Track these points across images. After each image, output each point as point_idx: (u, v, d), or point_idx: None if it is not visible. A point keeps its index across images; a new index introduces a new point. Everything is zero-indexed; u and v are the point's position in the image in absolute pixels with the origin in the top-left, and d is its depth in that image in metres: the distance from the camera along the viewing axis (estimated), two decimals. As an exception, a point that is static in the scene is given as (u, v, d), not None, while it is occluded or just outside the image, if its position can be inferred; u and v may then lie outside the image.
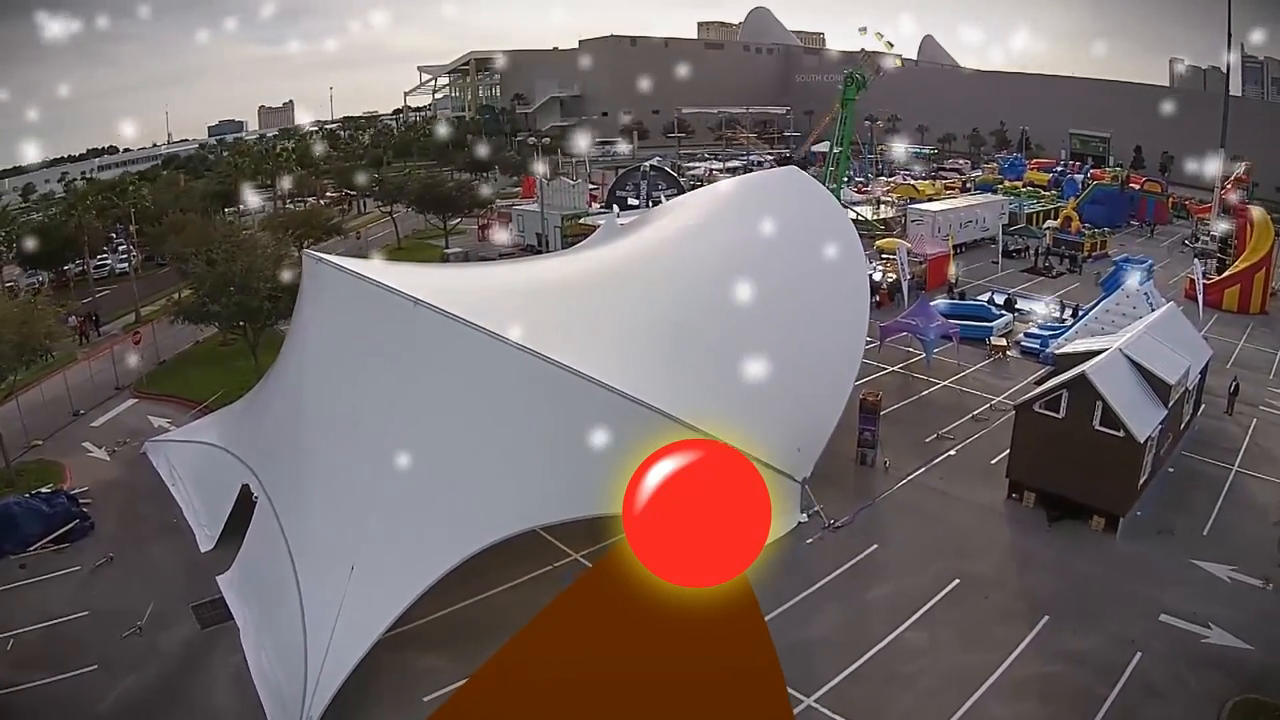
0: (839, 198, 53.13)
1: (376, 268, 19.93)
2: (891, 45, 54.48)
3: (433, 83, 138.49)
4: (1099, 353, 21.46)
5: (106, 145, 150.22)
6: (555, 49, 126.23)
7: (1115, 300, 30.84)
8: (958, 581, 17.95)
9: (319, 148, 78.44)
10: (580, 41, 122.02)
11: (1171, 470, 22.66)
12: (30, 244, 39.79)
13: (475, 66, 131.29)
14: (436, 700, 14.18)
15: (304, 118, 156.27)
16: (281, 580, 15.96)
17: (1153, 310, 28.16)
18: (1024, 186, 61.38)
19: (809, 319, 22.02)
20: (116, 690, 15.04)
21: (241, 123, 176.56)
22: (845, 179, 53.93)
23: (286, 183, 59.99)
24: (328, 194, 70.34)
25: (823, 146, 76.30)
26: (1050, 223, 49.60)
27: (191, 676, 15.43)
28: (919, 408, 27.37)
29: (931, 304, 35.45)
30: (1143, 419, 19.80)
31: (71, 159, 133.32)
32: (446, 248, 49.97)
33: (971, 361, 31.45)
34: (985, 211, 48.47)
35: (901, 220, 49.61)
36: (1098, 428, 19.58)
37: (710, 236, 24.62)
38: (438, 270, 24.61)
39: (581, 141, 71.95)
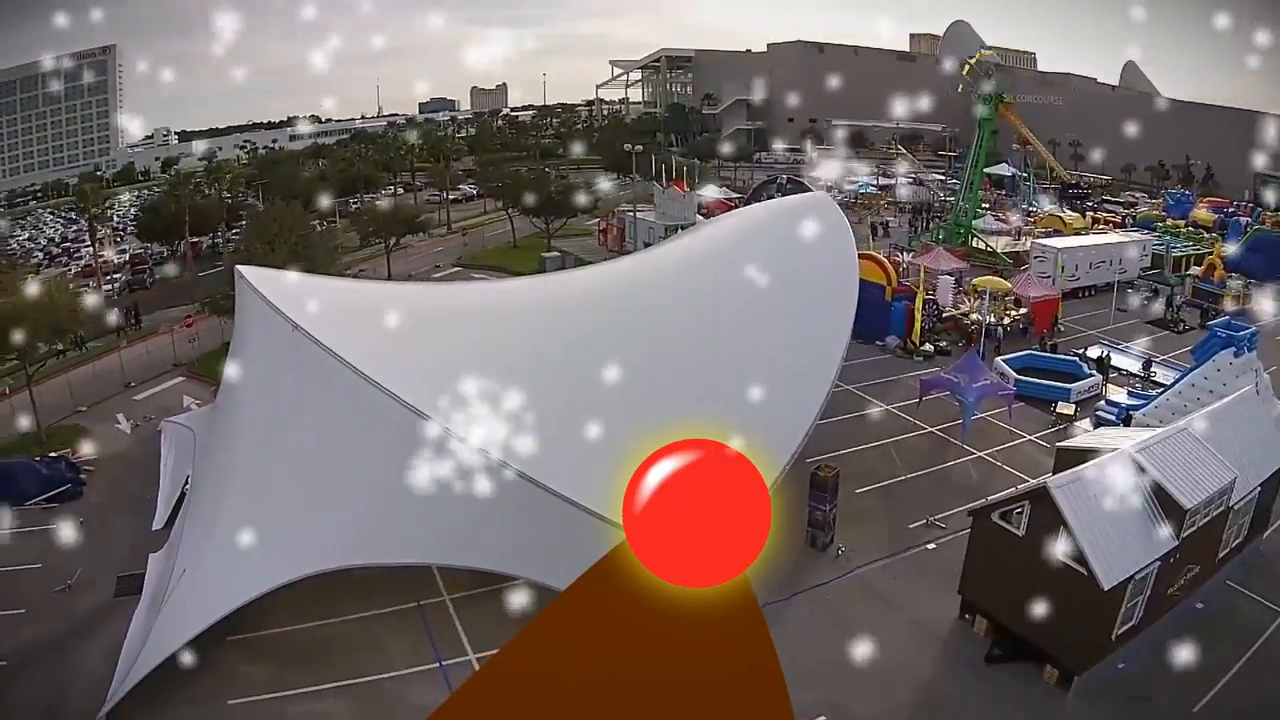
0: (969, 224, 51.03)
1: (311, 285, 22.36)
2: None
3: (625, 77, 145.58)
4: (1109, 451, 18.34)
5: (309, 114, 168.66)
6: (748, 51, 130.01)
7: (1204, 373, 27.15)
8: (821, 722, 15.43)
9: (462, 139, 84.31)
10: (769, 45, 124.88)
11: (1200, 606, 19.23)
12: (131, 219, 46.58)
13: (667, 64, 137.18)
14: (240, 706, 16.31)
15: (515, 99, 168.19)
16: (168, 569, 18.81)
17: (1258, 386, 24.87)
18: (1185, 226, 54.85)
19: (760, 363, 21.31)
20: (24, 635, 18.59)
21: (453, 101, 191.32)
22: (982, 205, 51.40)
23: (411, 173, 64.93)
24: (460, 188, 75.88)
25: (1000, 169, 72.94)
26: (1195, 269, 44.07)
27: (83, 637, 18.62)
28: (929, 482, 25.33)
29: (1002, 357, 33.66)
30: (1122, 556, 16.40)
31: (269, 125, 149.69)
32: (546, 252, 52.63)
33: (1030, 429, 28.98)
34: (1122, 251, 43.83)
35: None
36: (1060, 557, 16.62)
37: (683, 266, 25.07)
38: (383, 289, 26.70)
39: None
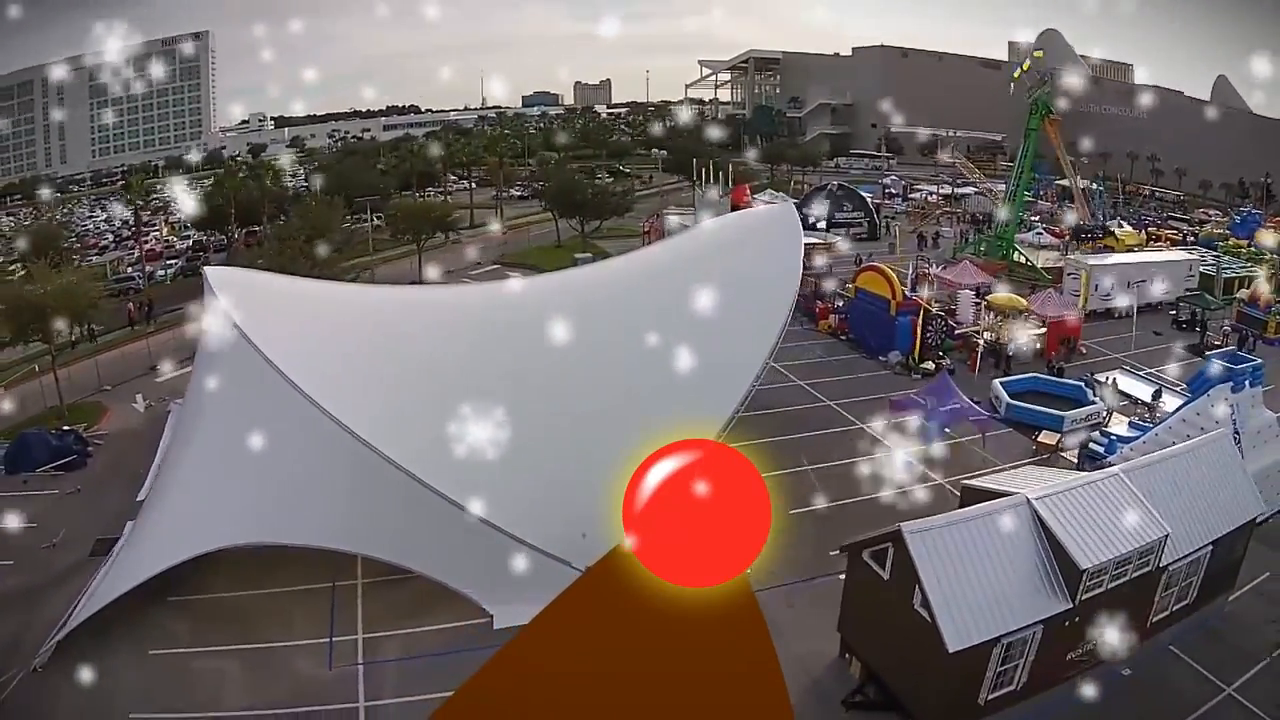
0: (1012, 237, 50.53)
1: (274, 286, 25.48)
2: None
3: (714, 77, 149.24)
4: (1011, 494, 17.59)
5: (409, 104, 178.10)
6: (836, 54, 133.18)
7: (1197, 409, 26.79)
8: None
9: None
10: (853, 49, 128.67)
11: (1127, 673, 18.46)
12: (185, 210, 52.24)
13: (754, 65, 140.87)
14: (157, 656, 19.44)
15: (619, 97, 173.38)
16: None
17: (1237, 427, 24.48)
18: (1249, 247, 52.27)
19: (656, 391, 22.66)
20: (7, 582, 22.53)
21: (557, 95, 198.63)
22: (1023, 216, 51.13)
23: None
24: (517, 184, 79.73)
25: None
26: (1242, 292, 42.36)
27: (54, 588, 22.19)
28: (873, 508, 25.61)
29: (1002, 379, 33.98)
30: (985, 617, 15.57)
31: (368, 113, 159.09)
32: (580, 253, 55.46)
33: (1008, 457, 29.15)
34: (1166, 271, 42.71)
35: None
36: (917, 609, 15.87)
37: (634, 271, 26.99)
38: (345, 293, 29.54)
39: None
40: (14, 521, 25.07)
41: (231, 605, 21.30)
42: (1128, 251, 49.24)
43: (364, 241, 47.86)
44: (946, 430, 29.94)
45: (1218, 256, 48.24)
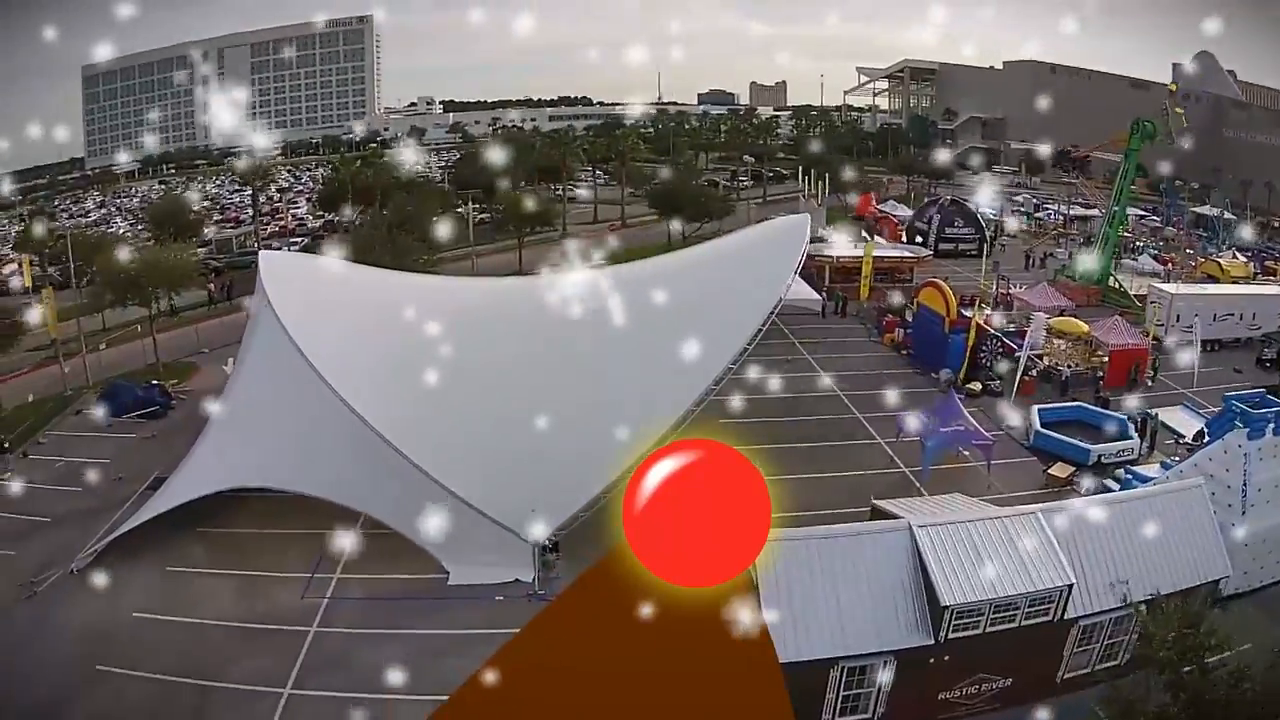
0: (1111, 261, 49.13)
1: (323, 267, 29.97)
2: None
3: (871, 85, 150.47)
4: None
5: (580, 95, 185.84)
6: (990, 68, 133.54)
7: (1210, 454, 26.37)
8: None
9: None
10: (1004, 63, 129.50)
11: None
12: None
13: (910, 75, 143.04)
14: (170, 572, 24.03)
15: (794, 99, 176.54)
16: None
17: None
18: None
19: (620, 386, 25.31)
20: (72, 504, 28.01)
21: (733, 95, 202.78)
22: (1119, 244, 49.90)
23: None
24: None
25: (1205, 209, 68.54)
26: None
27: (109, 513, 27.19)
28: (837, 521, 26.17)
29: (1041, 406, 33.89)
30: (818, 635, 16.04)
31: (538, 103, 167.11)
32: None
33: (1015, 486, 29.45)
34: (1256, 305, 40.59)
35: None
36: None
37: (622, 282, 29.75)
38: (385, 278, 33.57)
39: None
40: (95, 457, 30.91)
41: (246, 538, 25.69)
42: (1232, 283, 46.88)
43: (464, 232, 52.69)
44: (964, 452, 30.75)
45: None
